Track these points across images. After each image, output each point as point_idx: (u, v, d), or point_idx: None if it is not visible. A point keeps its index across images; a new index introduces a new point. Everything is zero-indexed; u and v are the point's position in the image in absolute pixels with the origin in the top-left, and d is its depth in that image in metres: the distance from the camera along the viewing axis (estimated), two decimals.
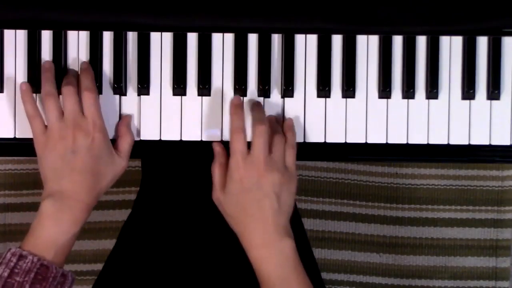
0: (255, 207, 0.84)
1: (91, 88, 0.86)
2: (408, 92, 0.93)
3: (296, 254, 0.84)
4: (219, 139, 0.92)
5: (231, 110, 0.89)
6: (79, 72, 0.91)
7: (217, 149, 0.89)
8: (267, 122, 0.86)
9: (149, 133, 0.92)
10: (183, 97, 0.93)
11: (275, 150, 0.86)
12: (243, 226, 0.85)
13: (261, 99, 0.93)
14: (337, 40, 0.93)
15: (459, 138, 0.93)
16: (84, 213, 0.84)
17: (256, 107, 0.90)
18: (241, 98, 0.91)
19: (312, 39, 0.93)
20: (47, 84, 0.87)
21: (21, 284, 0.78)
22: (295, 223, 1.05)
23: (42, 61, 0.92)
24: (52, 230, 0.82)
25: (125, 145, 0.89)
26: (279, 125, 0.90)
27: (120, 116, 0.92)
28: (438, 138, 0.93)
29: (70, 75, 0.89)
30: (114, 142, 0.90)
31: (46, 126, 0.86)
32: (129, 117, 0.91)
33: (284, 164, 0.86)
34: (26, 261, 0.79)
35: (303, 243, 1.05)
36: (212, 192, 0.88)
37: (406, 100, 0.93)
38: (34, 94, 0.92)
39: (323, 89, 0.93)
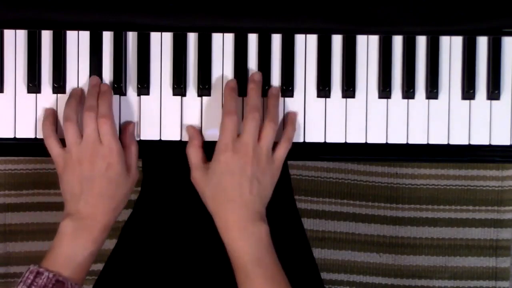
0: (236, 191, 0.85)
1: (107, 115, 0.87)
2: (408, 92, 0.93)
3: (270, 239, 0.85)
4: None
5: (225, 91, 0.90)
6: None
7: (191, 131, 0.90)
8: (261, 109, 0.87)
9: (149, 133, 0.92)
10: (183, 97, 0.93)
11: (264, 139, 0.86)
12: (220, 207, 0.86)
13: (261, 99, 0.93)
14: (337, 40, 0.93)
15: (459, 138, 0.93)
16: (101, 232, 0.86)
17: (253, 91, 0.89)
18: (236, 81, 0.91)
19: (312, 39, 0.93)
20: (68, 109, 0.88)
21: None
22: (295, 223, 1.06)
23: (43, 61, 0.92)
24: (69, 248, 0.84)
25: (132, 157, 0.90)
26: (277, 114, 0.90)
27: (120, 116, 0.92)
28: (438, 138, 0.93)
29: (93, 97, 0.88)
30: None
31: (62, 147, 0.88)
32: (132, 125, 0.91)
33: (271, 153, 0.87)
34: (43, 277, 0.81)
35: (303, 243, 1.05)
36: (191, 172, 0.89)
37: (406, 100, 0.93)
38: (35, 95, 0.92)
39: (323, 89, 0.92)
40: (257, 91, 0.89)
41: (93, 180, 0.85)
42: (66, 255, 0.84)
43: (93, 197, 0.85)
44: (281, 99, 0.93)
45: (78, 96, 0.90)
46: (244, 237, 0.84)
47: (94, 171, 0.85)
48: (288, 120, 0.91)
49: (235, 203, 0.85)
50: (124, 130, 0.91)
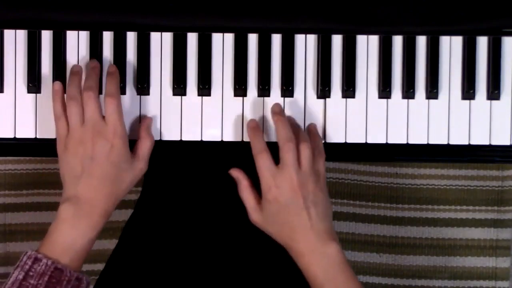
0: (295, 221, 0.85)
1: (114, 94, 0.86)
2: (408, 92, 0.93)
3: (342, 256, 0.85)
4: (219, 139, 0.92)
5: (249, 133, 0.89)
6: (108, 70, 0.89)
7: (236, 174, 0.90)
8: (294, 137, 0.86)
9: None
10: (183, 97, 0.93)
11: (304, 161, 0.85)
12: (287, 239, 0.86)
13: (261, 99, 0.93)
14: (337, 40, 0.93)
15: (459, 138, 0.93)
16: (101, 218, 0.84)
17: (280, 121, 0.88)
18: (257, 120, 0.91)
19: (312, 39, 0.93)
20: (72, 87, 0.87)
21: (35, 286, 0.78)
22: None
23: (43, 61, 0.92)
24: (68, 234, 0.82)
25: (144, 149, 0.89)
26: (299, 128, 0.90)
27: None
28: (438, 138, 0.93)
29: (91, 78, 0.87)
30: (132, 142, 0.89)
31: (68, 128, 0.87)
32: (149, 119, 0.91)
33: (313, 171, 0.86)
34: (41, 264, 0.79)
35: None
36: (249, 215, 0.89)
37: (406, 100, 0.93)
38: (35, 95, 0.92)
39: (323, 89, 0.93)
40: (284, 121, 0.88)
41: (94, 161, 0.83)
42: (65, 242, 0.82)
43: (94, 179, 0.84)
44: (281, 99, 0.93)
45: (80, 74, 0.89)
46: (316, 261, 0.84)
47: (96, 152, 0.83)
48: (311, 133, 0.91)
49: (298, 231, 0.85)
50: (141, 123, 0.90)
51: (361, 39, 0.93)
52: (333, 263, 0.84)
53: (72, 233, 0.83)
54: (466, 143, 0.93)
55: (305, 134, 0.89)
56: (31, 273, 0.79)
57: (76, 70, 0.89)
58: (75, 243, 0.82)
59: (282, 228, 0.86)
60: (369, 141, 0.93)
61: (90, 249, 0.85)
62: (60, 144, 0.86)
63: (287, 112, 0.93)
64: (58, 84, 0.89)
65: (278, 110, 0.90)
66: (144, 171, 0.89)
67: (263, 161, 0.85)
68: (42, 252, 0.81)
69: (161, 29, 0.92)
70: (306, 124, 0.93)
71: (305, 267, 0.85)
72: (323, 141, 0.92)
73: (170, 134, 0.93)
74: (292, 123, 0.91)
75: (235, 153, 0.92)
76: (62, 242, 0.82)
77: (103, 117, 0.86)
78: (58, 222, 0.83)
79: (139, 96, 0.93)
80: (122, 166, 0.85)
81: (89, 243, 0.84)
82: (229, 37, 0.93)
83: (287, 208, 0.85)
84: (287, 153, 0.85)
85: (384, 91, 0.93)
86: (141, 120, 0.91)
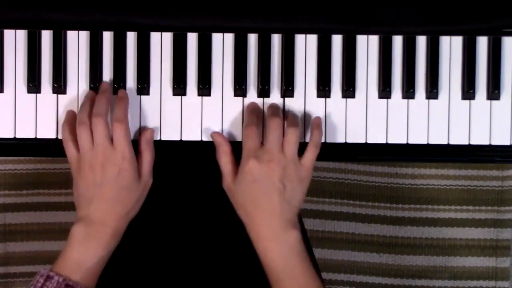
0: (264, 199, 0.85)
1: (122, 120, 0.86)
2: (408, 92, 0.93)
3: (302, 245, 0.85)
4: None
5: (246, 110, 0.90)
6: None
7: (218, 139, 0.90)
8: (281, 117, 0.87)
9: None
10: (183, 97, 0.93)
11: (287, 146, 0.86)
12: (251, 217, 0.86)
13: (261, 99, 0.93)
14: (337, 40, 0.93)
15: (459, 138, 0.93)
16: (112, 238, 0.86)
17: (271, 106, 0.90)
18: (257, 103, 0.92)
19: (312, 39, 0.93)
20: (82, 112, 0.87)
21: None
22: None
23: (43, 61, 0.92)
24: (79, 253, 0.84)
25: (145, 164, 0.89)
26: (295, 116, 0.91)
27: None
28: (438, 138, 0.93)
29: (101, 103, 0.88)
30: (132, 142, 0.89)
31: (78, 151, 0.88)
32: (150, 132, 0.90)
33: (297, 159, 0.86)
34: (53, 282, 0.81)
35: (303, 243, 1.05)
36: (222, 181, 0.89)
37: (406, 100, 0.93)
38: (35, 95, 0.92)
39: (323, 89, 0.93)
40: (274, 107, 0.89)
41: (104, 185, 0.85)
42: (76, 260, 0.84)
43: (104, 203, 0.85)
44: (281, 99, 0.93)
45: (93, 100, 0.89)
46: (275, 247, 0.84)
47: (105, 177, 0.85)
48: (314, 124, 0.90)
49: (264, 212, 0.85)
50: (141, 136, 0.90)
51: (361, 39, 0.93)
52: (293, 252, 0.84)
53: (83, 252, 0.84)
54: (466, 143, 0.93)
55: (298, 122, 0.89)
56: None
57: (90, 96, 0.90)
58: (86, 261, 0.84)
59: (248, 203, 0.86)
60: (369, 141, 0.93)
61: (102, 267, 0.86)
62: (72, 168, 0.88)
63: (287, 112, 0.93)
64: (72, 111, 0.91)
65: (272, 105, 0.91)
66: (150, 184, 0.90)
67: (249, 132, 0.86)
68: (55, 270, 0.83)
69: (161, 29, 0.92)
70: (306, 125, 0.93)
71: (263, 252, 0.85)
72: (323, 141, 0.92)
73: (170, 134, 0.92)
74: (291, 113, 0.91)
75: (235, 153, 0.92)
76: (73, 260, 0.84)
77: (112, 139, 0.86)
78: (71, 241, 0.85)
79: (139, 96, 0.93)
80: (131, 187, 0.87)
81: (100, 261, 0.85)
82: (229, 37, 0.93)
83: (260, 184, 0.85)
84: (272, 129, 0.86)
85: (384, 91, 0.93)
86: (140, 133, 0.91)
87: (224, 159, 0.89)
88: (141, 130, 0.92)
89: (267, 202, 0.85)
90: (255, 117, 0.89)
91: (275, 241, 0.84)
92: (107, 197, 0.85)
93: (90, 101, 0.89)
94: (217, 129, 0.92)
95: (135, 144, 0.90)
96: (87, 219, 0.85)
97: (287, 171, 0.85)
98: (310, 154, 0.88)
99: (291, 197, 0.86)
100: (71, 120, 0.90)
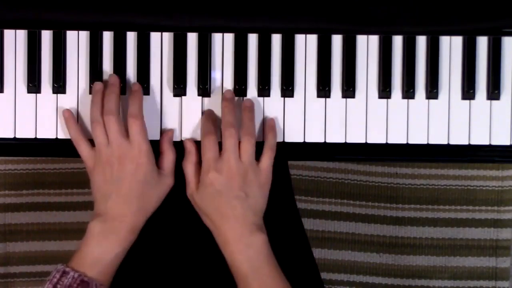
0: (227, 208, 0.85)
1: (138, 115, 0.87)
2: (408, 92, 0.93)
3: (268, 248, 0.86)
4: (219, 139, 0.91)
5: (203, 118, 0.90)
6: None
7: (188, 147, 0.90)
8: (235, 124, 0.87)
9: (149, 134, 0.92)
10: (183, 97, 0.93)
11: (244, 153, 0.86)
12: (216, 224, 0.87)
13: (261, 99, 0.93)
14: (337, 40, 0.93)
15: (459, 138, 0.93)
16: (129, 234, 0.86)
17: (227, 108, 0.89)
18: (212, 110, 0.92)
19: (312, 39, 0.93)
20: (94, 109, 0.88)
21: None
22: (295, 223, 1.05)
23: (43, 61, 0.92)
24: (96, 249, 0.85)
25: (167, 163, 0.89)
26: (251, 122, 0.90)
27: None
28: (438, 138, 0.93)
29: (110, 99, 0.87)
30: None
31: (92, 148, 0.88)
32: (171, 132, 0.91)
33: (254, 165, 0.87)
34: (68, 277, 0.82)
35: (303, 243, 1.05)
36: (186, 189, 0.90)
37: (406, 100, 0.93)
38: (35, 95, 0.92)
39: (323, 89, 0.93)
40: (230, 108, 0.89)
41: (122, 180, 0.85)
42: (93, 256, 0.84)
43: (122, 198, 0.86)
44: (281, 99, 0.93)
45: (101, 92, 0.89)
46: (242, 250, 0.85)
47: (123, 172, 0.85)
48: (267, 127, 0.91)
49: (228, 220, 0.86)
50: (162, 136, 0.91)
51: (361, 39, 0.93)
52: (258, 254, 0.85)
53: (99, 247, 0.85)
54: (466, 143, 0.93)
55: (253, 129, 0.89)
56: (58, 286, 0.81)
57: (97, 89, 0.89)
58: (103, 258, 0.85)
59: (212, 212, 0.86)
60: (369, 141, 0.93)
61: (119, 264, 0.87)
62: (87, 166, 0.88)
63: (287, 112, 0.93)
64: (67, 111, 0.90)
65: (228, 97, 0.91)
66: (171, 185, 0.90)
67: (207, 143, 0.86)
68: (71, 266, 0.84)
69: (161, 29, 0.92)
70: (307, 125, 0.93)
71: (230, 256, 0.85)
72: (323, 141, 0.92)
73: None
74: (248, 118, 0.90)
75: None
76: (89, 256, 0.84)
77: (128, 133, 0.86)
78: (87, 237, 0.85)
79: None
80: (149, 183, 0.87)
81: (116, 257, 0.86)
82: (229, 37, 0.93)
83: (221, 194, 0.85)
84: (227, 139, 0.86)
85: (384, 91, 0.93)
86: (161, 133, 0.91)
87: (190, 169, 0.89)
88: (162, 131, 0.92)
89: (230, 211, 0.85)
90: (211, 124, 0.89)
91: (240, 244, 0.85)
92: (124, 192, 0.85)
93: (99, 95, 0.88)
94: (218, 129, 0.92)
95: (156, 144, 0.90)
96: (104, 215, 0.86)
97: (247, 179, 0.86)
98: (267, 158, 0.88)
99: (254, 203, 0.87)
100: (73, 119, 0.90)
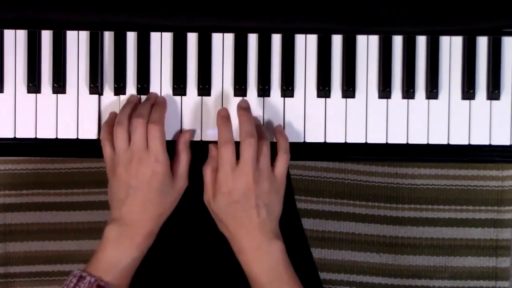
0: (243, 217, 0.85)
1: (158, 122, 0.86)
2: (408, 92, 0.93)
3: (285, 255, 0.85)
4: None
5: (218, 121, 0.89)
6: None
7: (213, 153, 0.89)
8: (255, 134, 0.86)
9: None
10: (183, 97, 0.93)
11: (262, 160, 0.86)
12: (233, 232, 0.86)
13: (261, 99, 0.93)
14: (337, 40, 0.93)
15: (459, 138, 0.93)
16: (145, 239, 0.86)
17: (245, 116, 0.88)
18: (227, 110, 0.91)
19: (312, 39, 0.93)
20: (122, 113, 0.88)
21: None
22: (294, 223, 1.05)
23: (43, 61, 0.92)
24: (112, 254, 0.85)
25: (182, 165, 0.89)
26: (261, 126, 0.90)
27: None
28: (438, 138, 0.93)
29: (145, 106, 0.88)
30: None
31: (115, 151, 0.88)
32: (188, 134, 0.91)
33: (271, 172, 0.87)
34: (85, 282, 0.82)
35: (301, 243, 1.05)
36: (204, 195, 0.89)
37: (406, 100, 0.93)
38: (35, 95, 0.92)
39: (323, 89, 0.93)
40: (248, 117, 0.88)
41: (137, 187, 0.85)
42: (109, 261, 0.85)
43: (137, 204, 0.86)
44: (281, 99, 0.93)
45: (134, 104, 0.90)
46: (259, 258, 0.85)
47: (139, 178, 0.85)
48: (277, 133, 0.90)
49: (245, 228, 0.85)
50: (179, 137, 0.91)
51: (361, 39, 0.93)
52: (278, 261, 0.85)
53: (115, 252, 0.85)
54: (466, 143, 0.93)
55: (266, 132, 0.89)
56: None
57: (132, 100, 0.91)
58: (119, 262, 0.85)
59: (228, 220, 0.86)
60: (369, 141, 0.93)
61: (135, 268, 0.87)
62: (108, 168, 0.89)
63: (287, 112, 0.93)
64: (113, 113, 0.91)
65: (244, 106, 0.91)
66: (185, 187, 0.90)
67: (226, 152, 0.86)
68: (88, 270, 0.84)
69: (161, 29, 0.92)
70: (307, 125, 0.93)
71: (248, 265, 0.85)
72: (323, 141, 0.92)
73: (170, 134, 0.92)
74: (255, 122, 0.90)
75: (236, 153, 0.92)
76: (106, 261, 0.85)
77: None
78: (103, 242, 0.86)
79: (139, 96, 0.93)
80: (164, 190, 0.87)
81: (133, 262, 0.86)
82: (229, 37, 0.93)
83: (238, 204, 0.85)
84: (247, 149, 0.85)
85: (384, 91, 0.93)
86: (179, 134, 0.91)
87: (209, 175, 0.88)
88: (180, 132, 0.92)
89: (247, 220, 0.85)
90: (229, 131, 0.87)
91: (258, 253, 0.85)
92: (139, 199, 0.86)
93: (132, 105, 0.89)
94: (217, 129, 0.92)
95: (172, 144, 0.90)
96: (120, 220, 0.86)
97: (263, 187, 0.86)
98: (282, 162, 0.88)
99: (271, 210, 0.86)
100: (111, 121, 0.90)
